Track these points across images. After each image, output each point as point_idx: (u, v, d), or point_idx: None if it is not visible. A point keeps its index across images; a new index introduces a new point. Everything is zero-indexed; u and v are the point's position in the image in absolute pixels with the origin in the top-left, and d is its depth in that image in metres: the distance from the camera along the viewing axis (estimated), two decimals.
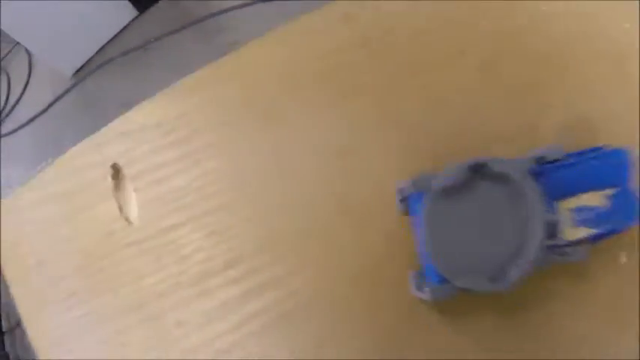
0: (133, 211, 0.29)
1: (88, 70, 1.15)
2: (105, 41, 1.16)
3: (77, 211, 0.30)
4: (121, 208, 0.29)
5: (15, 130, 1.14)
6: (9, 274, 0.31)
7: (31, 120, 1.14)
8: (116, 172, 0.30)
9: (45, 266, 0.30)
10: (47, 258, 0.30)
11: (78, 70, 1.11)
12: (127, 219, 0.29)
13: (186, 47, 1.05)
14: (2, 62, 1.29)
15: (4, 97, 1.21)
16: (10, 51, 1.28)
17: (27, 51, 1.21)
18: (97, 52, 1.15)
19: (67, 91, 1.15)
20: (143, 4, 1.16)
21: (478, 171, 0.21)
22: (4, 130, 1.14)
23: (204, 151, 0.29)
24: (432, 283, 0.21)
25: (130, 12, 1.17)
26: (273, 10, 0.93)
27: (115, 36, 1.18)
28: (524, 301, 0.24)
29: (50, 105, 1.14)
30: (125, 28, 1.17)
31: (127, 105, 0.30)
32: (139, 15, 1.16)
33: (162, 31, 1.09)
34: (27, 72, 1.22)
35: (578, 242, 0.21)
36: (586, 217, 0.21)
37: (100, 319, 0.28)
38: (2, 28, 1.02)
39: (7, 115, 1.19)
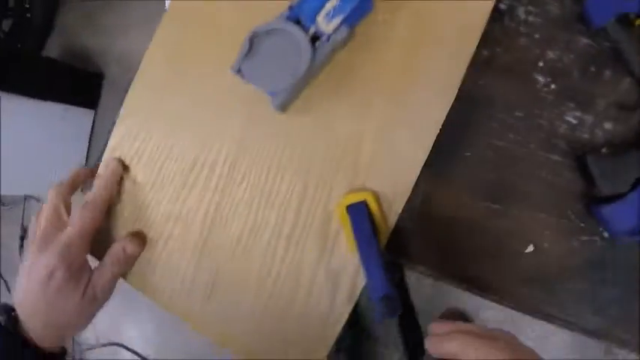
0: None
1: None
2: (86, 149, 1.36)
3: None
4: None
5: None
6: None
7: None
8: None
9: None
10: None
11: None
12: None
13: None
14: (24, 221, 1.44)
15: None
16: (24, 208, 1.44)
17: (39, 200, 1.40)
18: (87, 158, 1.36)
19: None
20: (93, 102, 1.35)
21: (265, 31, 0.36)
22: None
23: None
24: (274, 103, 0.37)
25: (89, 114, 1.36)
26: None
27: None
28: (336, 73, 0.40)
29: None
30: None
31: None
32: (95, 113, 1.36)
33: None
34: None
35: (337, 29, 0.35)
36: (333, 13, 0.35)
37: None
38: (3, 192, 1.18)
39: None
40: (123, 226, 0.46)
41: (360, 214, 0.36)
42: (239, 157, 0.42)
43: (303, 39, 0.36)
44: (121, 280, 0.45)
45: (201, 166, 0.43)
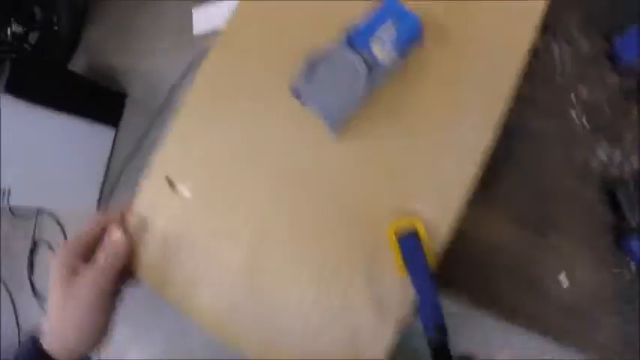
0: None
1: (106, 195, 1.32)
2: (105, 167, 1.37)
3: None
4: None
5: None
6: None
7: None
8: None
9: None
10: None
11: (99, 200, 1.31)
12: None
13: None
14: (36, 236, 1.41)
15: None
16: (36, 221, 1.37)
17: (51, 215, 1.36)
18: (105, 177, 1.36)
19: None
20: (114, 120, 1.36)
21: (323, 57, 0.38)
22: None
23: None
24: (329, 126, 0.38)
25: (110, 131, 1.38)
26: None
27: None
28: (390, 92, 0.41)
29: None
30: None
31: None
32: (116, 131, 1.37)
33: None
34: (60, 232, 1.32)
35: (392, 59, 0.38)
36: (387, 42, 0.37)
37: None
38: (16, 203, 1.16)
39: None
40: (164, 241, 0.46)
41: (410, 239, 0.37)
42: (284, 182, 0.43)
43: (360, 66, 0.38)
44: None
45: (246, 188, 0.44)
